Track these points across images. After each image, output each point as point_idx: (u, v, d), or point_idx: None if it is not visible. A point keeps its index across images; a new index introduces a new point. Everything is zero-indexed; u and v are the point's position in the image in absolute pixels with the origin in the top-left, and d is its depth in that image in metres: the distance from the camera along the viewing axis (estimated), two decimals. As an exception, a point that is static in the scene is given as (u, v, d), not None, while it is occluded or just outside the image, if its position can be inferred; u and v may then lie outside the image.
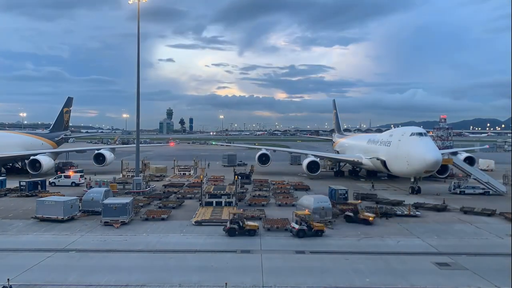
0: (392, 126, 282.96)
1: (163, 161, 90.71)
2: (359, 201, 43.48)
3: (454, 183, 58.63)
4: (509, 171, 65.71)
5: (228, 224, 34.06)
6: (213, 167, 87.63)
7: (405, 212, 42.03)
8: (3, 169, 76.28)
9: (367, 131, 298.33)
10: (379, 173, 72.36)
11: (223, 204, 43.82)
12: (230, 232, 33.37)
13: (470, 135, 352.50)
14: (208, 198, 44.71)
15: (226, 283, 21.62)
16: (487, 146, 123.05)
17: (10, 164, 78.38)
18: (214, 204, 43.84)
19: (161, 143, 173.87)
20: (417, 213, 42.16)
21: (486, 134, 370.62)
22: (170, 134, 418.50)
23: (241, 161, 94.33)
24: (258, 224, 35.16)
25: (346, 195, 47.75)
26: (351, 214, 39.17)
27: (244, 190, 55.93)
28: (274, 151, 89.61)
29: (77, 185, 60.65)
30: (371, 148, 69.35)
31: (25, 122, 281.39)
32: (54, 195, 47.55)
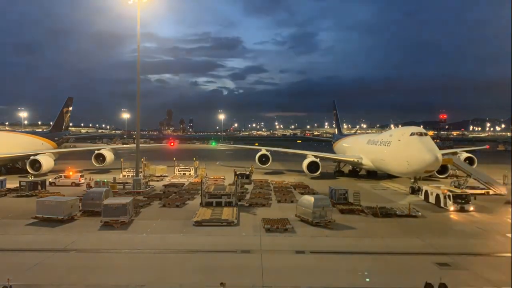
0: (392, 126, 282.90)
1: (163, 161, 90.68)
2: None
3: (454, 183, 58.60)
4: (509, 171, 65.69)
5: None
6: (213, 167, 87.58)
7: (405, 212, 42.01)
8: (3, 169, 76.35)
9: (367, 131, 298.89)
10: (379, 173, 72.46)
11: (223, 204, 43.77)
12: None
13: (470, 135, 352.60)
14: (208, 198, 44.65)
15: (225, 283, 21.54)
16: (487, 147, 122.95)
17: (10, 164, 78.38)
18: (214, 204, 43.78)
19: (161, 143, 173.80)
20: (417, 213, 42.15)
21: (486, 134, 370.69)
22: (170, 134, 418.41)
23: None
24: None
25: (346, 195, 47.76)
26: None
27: (244, 190, 55.89)
28: (274, 151, 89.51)
29: (77, 185, 60.70)
30: (371, 148, 69.42)
31: (25, 122, 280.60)
32: (54, 195, 47.58)
